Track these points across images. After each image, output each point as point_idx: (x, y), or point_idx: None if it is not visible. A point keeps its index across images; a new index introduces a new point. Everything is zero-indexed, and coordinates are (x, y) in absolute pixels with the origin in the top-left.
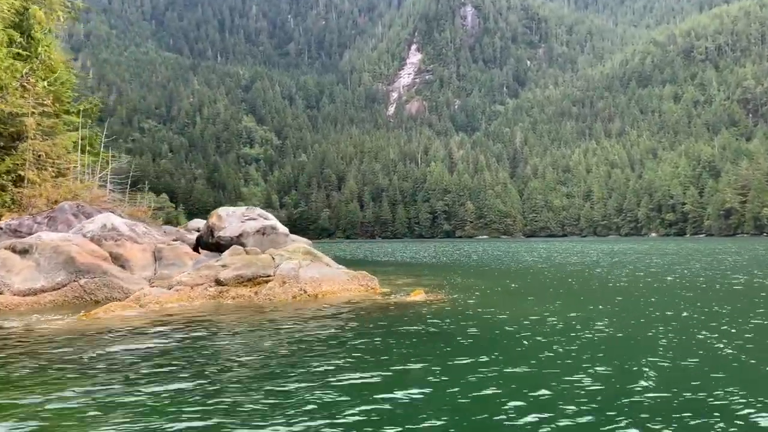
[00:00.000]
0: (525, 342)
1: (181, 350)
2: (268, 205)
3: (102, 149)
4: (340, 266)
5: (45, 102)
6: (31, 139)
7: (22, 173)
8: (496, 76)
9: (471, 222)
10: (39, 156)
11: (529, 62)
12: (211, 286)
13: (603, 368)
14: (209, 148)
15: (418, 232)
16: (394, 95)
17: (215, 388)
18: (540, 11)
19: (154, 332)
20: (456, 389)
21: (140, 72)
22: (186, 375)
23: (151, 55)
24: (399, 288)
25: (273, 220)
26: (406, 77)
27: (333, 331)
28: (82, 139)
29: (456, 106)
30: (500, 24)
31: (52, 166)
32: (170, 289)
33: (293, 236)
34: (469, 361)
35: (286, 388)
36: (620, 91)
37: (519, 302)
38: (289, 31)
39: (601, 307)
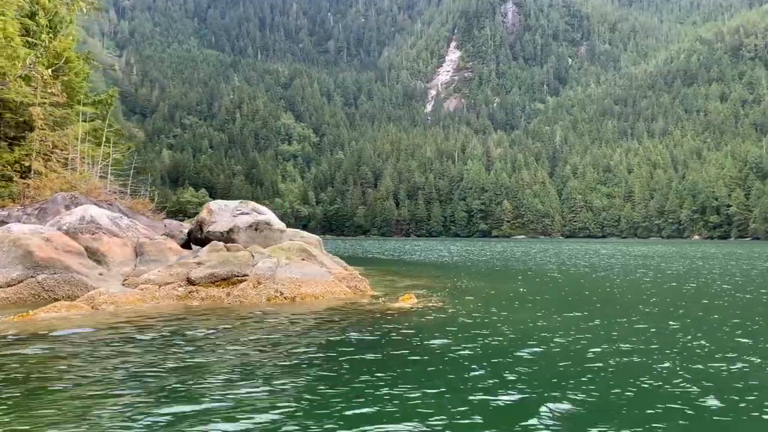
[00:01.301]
0: (510, 373)
1: (93, 364)
2: (304, 202)
3: (104, 140)
4: (339, 265)
5: (53, 91)
6: (39, 129)
7: (28, 164)
8: (536, 73)
9: (508, 221)
10: (46, 147)
11: (570, 60)
12: (181, 286)
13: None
14: (248, 145)
15: (453, 231)
16: (432, 93)
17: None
18: (582, 8)
19: (85, 339)
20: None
21: (182, 69)
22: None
23: (193, 53)
24: (396, 290)
25: (267, 215)
26: (444, 75)
27: (288, 347)
28: (95, 131)
29: (495, 104)
30: (541, 21)
31: (59, 158)
32: (136, 287)
33: (298, 232)
34: (433, 393)
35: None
36: (664, 89)
37: (524, 314)
38: (329, 28)
39: (627, 324)
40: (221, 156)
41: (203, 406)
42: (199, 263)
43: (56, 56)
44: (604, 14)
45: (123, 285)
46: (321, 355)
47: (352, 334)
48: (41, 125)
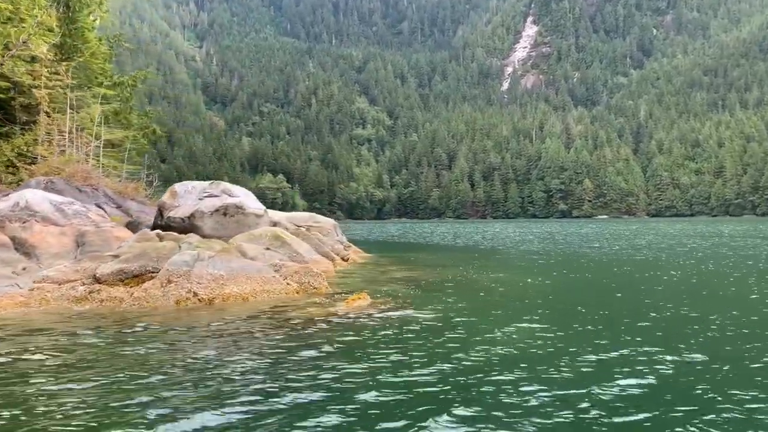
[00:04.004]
0: None
1: None
2: (378, 186)
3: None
4: (333, 255)
5: (58, 72)
6: (44, 112)
7: (33, 149)
8: (618, 46)
9: (589, 201)
10: (52, 131)
11: (655, 30)
12: (84, 284)
13: None
14: (324, 130)
15: (531, 212)
16: (509, 70)
17: None
18: None
19: None
20: None
21: (260, 57)
22: None
23: (269, 41)
24: (374, 285)
25: (240, 197)
26: (521, 51)
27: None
28: (115, 113)
29: (575, 80)
30: None
31: (60, 142)
32: (32, 286)
33: (314, 216)
34: None
35: None
36: (759, 57)
37: (513, 320)
38: (402, 9)
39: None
40: (298, 142)
41: None
42: (115, 256)
43: (69, 35)
44: None
45: (34, 283)
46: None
47: (248, 362)
48: (46, 109)
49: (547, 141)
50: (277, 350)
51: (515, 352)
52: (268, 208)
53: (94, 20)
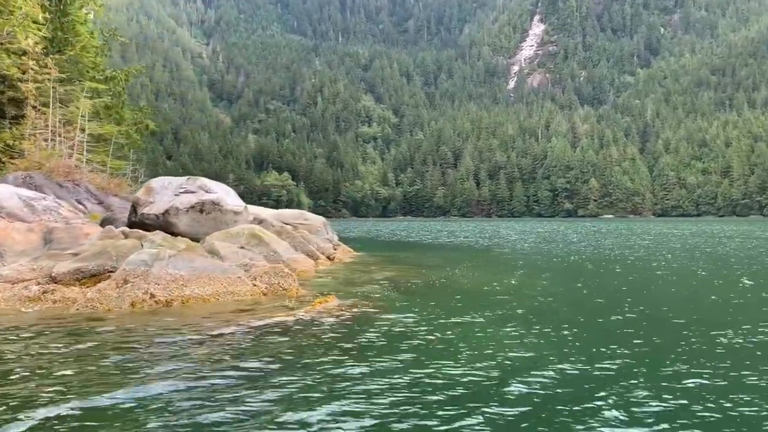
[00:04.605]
0: None
1: None
2: (384, 184)
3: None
4: (320, 253)
5: (46, 63)
6: (31, 106)
7: (20, 143)
8: (625, 45)
9: (595, 200)
10: (39, 124)
11: (662, 29)
12: (39, 284)
13: None
14: (329, 128)
15: (537, 210)
16: (515, 69)
17: None
18: None
19: None
20: None
21: (266, 55)
22: None
23: (276, 38)
24: (352, 285)
25: (218, 194)
26: (528, 49)
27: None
28: (107, 108)
29: (581, 78)
30: None
31: (49, 136)
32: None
33: (303, 213)
34: None
35: None
36: (767, 57)
37: (485, 326)
38: (409, 7)
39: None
40: (303, 140)
41: None
42: (75, 254)
43: (61, 28)
44: None
45: None
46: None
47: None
48: (33, 103)
49: (553, 140)
50: (214, 359)
51: (476, 361)
52: (272, 206)
53: (86, 14)
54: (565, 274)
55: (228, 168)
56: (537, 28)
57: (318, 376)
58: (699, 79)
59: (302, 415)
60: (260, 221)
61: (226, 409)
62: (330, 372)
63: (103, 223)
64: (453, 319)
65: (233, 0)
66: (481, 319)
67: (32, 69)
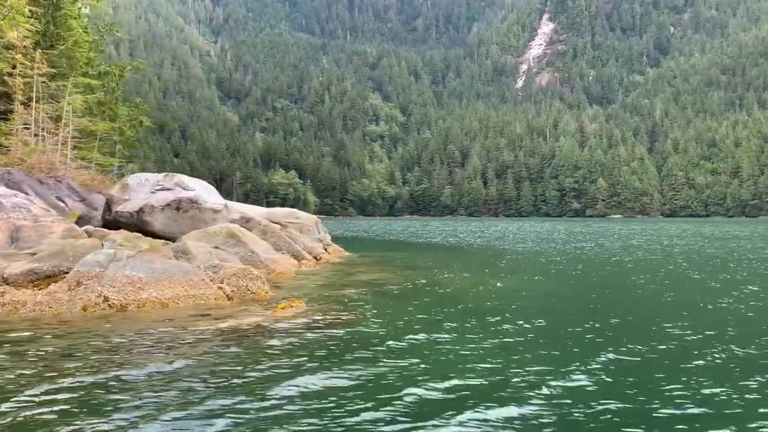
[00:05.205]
0: None
1: None
2: (391, 182)
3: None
4: (307, 253)
5: (34, 58)
6: (19, 102)
7: (8, 139)
8: (635, 44)
9: (603, 200)
10: (26, 120)
11: (672, 28)
12: None
13: None
14: (336, 126)
15: (544, 210)
16: (524, 68)
17: None
18: None
19: None
20: None
21: (274, 53)
22: None
23: (284, 36)
24: (330, 291)
25: (196, 191)
26: (536, 48)
27: None
28: (100, 104)
29: (590, 78)
30: None
31: (32, 131)
32: None
33: (294, 212)
34: None
35: None
36: None
37: (457, 334)
38: (417, 6)
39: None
40: (311, 138)
41: None
42: (33, 254)
43: (54, 23)
44: None
45: None
46: None
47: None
48: (21, 98)
49: (561, 139)
50: (143, 366)
51: (431, 375)
52: (279, 204)
53: (80, 8)
54: (557, 277)
55: (235, 166)
56: (546, 27)
57: (258, 388)
58: (709, 78)
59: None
60: (247, 220)
61: (153, 421)
62: (272, 384)
63: (80, 221)
64: (422, 327)
65: None
66: (454, 326)
67: (20, 64)
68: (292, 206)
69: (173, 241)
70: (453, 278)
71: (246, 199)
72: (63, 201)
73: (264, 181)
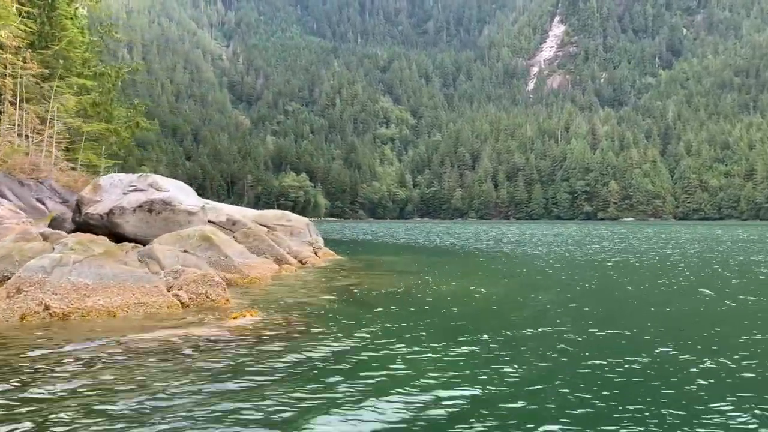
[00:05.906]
0: None
1: None
2: (401, 185)
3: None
4: (292, 257)
5: (24, 58)
6: (9, 102)
7: None
8: (647, 46)
9: (615, 203)
10: (13, 121)
11: (685, 30)
12: None
13: None
14: (347, 129)
15: (555, 213)
16: (535, 70)
17: None
18: None
19: None
20: None
21: (285, 56)
22: None
23: (295, 40)
24: (299, 298)
25: (170, 192)
26: (548, 51)
27: None
28: (95, 104)
29: (602, 80)
30: None
31: (16, 131)
32: None
33: (286, 214)
34: None
35: None
36: None
37: (426, 353)
38: (428, 9)
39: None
40: (321, 141)
41: None
42: None
43: (49, 23)
44: None
45: None
46: None
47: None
48: (10, 98)
49: (572, 142)
50: (58, 382)
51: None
52: (289, 207)
53: (77, 8)
54: (544, 286)
55: (246, 169)
56: (557, 29)
57: (175, 411)
58: (722, 80)
59: None
60: (234, 222)
61: None
62: (170, 410)
63: (54, 223)
64: (390, 341)
65: (253, 2)
66: (417, 338)
67: (11, 64)
68: (303, 209)
69: (144, 245)
70: (434, 284)
71: (257, 201)
72: (43, 203)
73: (275, 184)
